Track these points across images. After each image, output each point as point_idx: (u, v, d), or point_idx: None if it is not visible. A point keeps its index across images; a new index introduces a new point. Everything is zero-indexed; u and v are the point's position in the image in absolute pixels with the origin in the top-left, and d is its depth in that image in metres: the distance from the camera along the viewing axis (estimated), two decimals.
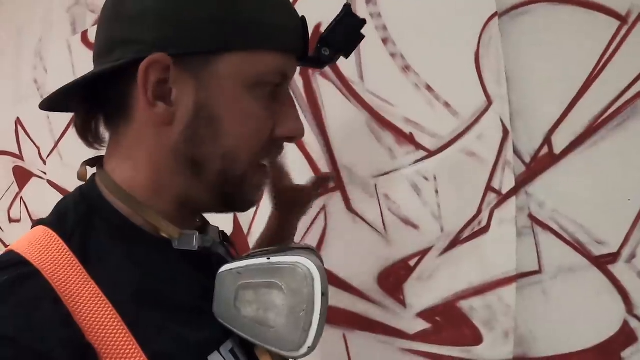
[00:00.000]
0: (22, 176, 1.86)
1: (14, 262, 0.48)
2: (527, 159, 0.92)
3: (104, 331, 0.46)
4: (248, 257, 0.58)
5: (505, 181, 0.93)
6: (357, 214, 1.05)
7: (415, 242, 1.00)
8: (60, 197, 0.59)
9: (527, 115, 0.92)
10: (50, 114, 1.64)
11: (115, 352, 0.46)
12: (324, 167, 1.09)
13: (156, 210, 0.56)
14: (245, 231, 1.23)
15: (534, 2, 0.91)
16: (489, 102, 0.93)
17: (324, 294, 0.52)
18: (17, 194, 1.92)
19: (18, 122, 1.80)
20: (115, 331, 0.46)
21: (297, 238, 1.13)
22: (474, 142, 0.95)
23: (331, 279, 1.08)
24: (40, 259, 0.48)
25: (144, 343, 0.47)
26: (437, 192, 0.98)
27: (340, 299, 1.07)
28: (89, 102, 0.58)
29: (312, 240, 1.10)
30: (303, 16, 0.57)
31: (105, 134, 0.60)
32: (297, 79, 1.12)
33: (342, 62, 1.06)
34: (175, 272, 0.57)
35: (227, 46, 0.51)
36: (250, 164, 0.56)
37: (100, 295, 0.48)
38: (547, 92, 0.90)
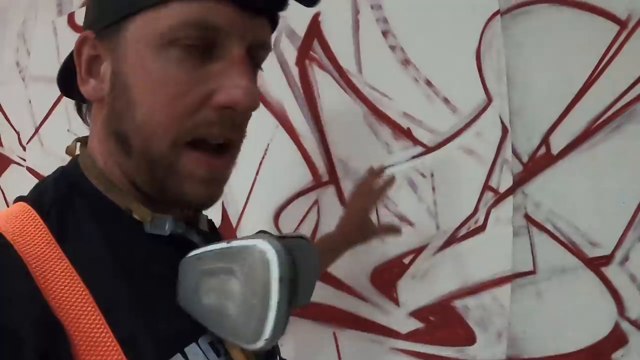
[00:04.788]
0: (0, 163, 1.79)
1: None
2: (525, 159, 0.92)
3: (75, 310, 0.44)
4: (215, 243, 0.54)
5: (503, 180, 0.92)
6: None
7: (410, 240, 0.99)
8: None
9: (526, 115, 0.91)
10: (32, 97, 1.58)
11: (85, 333, 0.44)
12: (318, 160, 1.06)
13: (131, 192, 0.54)
14: (234, 224, 1.19)
15: (535, 2, 0.91)
16: (489, 100, 0.93)
17: (282, 279, 0.47)
18: None
19: None
20: (86, 312, 0.44)
21: (287, 230, 1.10)
22: (472, 139, 0.94)
23: (322, 276, 1.05)
24: (14, 233, 0.46)
25: (115, 327, 0.45)
26: (433, 189, 0.97)
27: (331, 297, 1.05)
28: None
29: None
30: None
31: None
32: (293, 68, 1.09)
33: (340, 53, 1.05)
34: (153, 256, 0.54)
35: (132, 9, 0.48)
36: (175, 141, 0.49)
37: (73, 274, 0.46)
38: (546, 93, 0.90)
